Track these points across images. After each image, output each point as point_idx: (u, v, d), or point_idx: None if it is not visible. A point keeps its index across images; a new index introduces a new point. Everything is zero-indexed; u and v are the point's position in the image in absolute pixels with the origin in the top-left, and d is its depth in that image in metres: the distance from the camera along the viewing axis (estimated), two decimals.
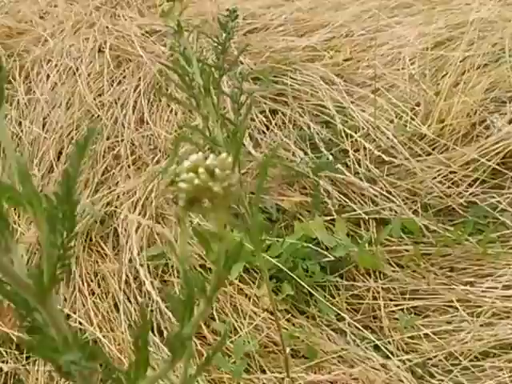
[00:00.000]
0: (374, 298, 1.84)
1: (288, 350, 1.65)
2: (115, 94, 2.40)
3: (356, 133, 2.20)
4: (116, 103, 2.37)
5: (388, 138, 2.17)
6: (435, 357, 1.69)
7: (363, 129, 2.20)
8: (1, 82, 0.55)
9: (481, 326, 1.73)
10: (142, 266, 1.89)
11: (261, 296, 1.83)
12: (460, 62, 2.33)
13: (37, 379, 1.74)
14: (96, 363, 0.64)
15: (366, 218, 2.00)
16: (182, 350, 0.63)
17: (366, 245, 1.93)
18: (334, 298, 1.85)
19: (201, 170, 0.52)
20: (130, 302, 1.84)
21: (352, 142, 2.18)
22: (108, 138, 2.28)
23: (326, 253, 1.88)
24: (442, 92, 2.24)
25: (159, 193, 2.00)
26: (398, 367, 1.65)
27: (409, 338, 1.74)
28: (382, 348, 1.71)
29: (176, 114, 2.33)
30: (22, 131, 2.32)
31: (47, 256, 0.57)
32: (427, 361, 1.68)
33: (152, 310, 1.82)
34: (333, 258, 1.88)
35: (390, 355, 1.69)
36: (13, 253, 0.58)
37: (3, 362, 1.75)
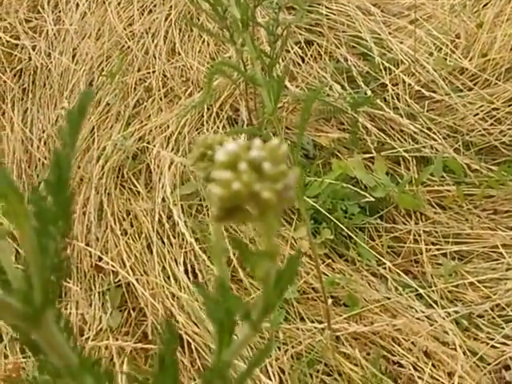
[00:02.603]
0: (416, 242, 1.63)
1: (330, 301, 1.44)
2: (146, 23, 2.13)
3: (394, 66, 1.93)
4: (147, 33, 2.11)
5: (428, 71, 1.90)
6: (481, 307, 1.47)
7: (402, 62, 1.93)
8: None
9: None
10: (175, 205, 1.67)
11: (298, 239, 1.61)
12: None
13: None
14: None
15: (406, 156, 1.75)
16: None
17: (407, 185, 1.69)
18: (374, 240, 1.63)
19: (242, 165, 0.30)
20: (163, 243, 1.63)
21: (391, 75, 1.91)
22: (139, 70, 2.03)
23: (365, 193, 1.65)
24: (485, 24, 1.95)
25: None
26: (443, 318, 1.44)
27: (453, 286, 1.52)
28: (425, 297, 1.49)
29: (208, 44, 2.07)
30: (51, 63, 2.07)
31: (37, 266, 0.37)
32: (472, 311, 1.47)
33: (186, 252, 1.61)
34: (372, 199, 1.64)
35: (433, 304, 1.48)
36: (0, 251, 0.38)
37: None
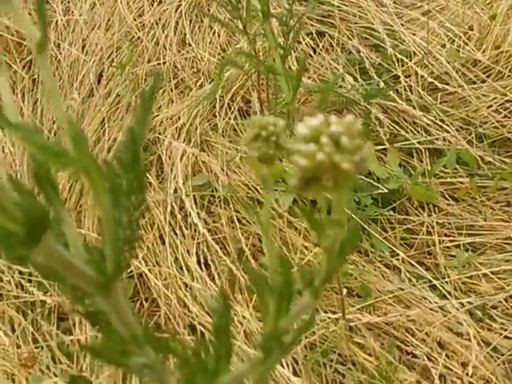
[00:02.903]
0: (429, 233, 1.65)
1: (344, 291, 1.47)
2: (156, 14, 2.15)
3: (407, 57, 1.95)
4: (157, 24, 2.13)
5: (441, 63, 1.92)
6: (495, 298, 1.50)
7: (415, 54, 1.95)
8: None
9: None
10: (187, 196, 1.69)
11: (311, 230, 1.63)
12: None
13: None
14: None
15: (420, 147, 1.78)
16: (277, 349, 0.46)
17: (420, 176, 1.71)
18: (387, 232, 1.66)
19: (324, 139, 0.33)
20: (175, 234, 1.66)
21: (403, 67, 1.94)
22: (149, 61, 2.05)
23: (378, 185, 1.67)
24: (498, 16, 1.97)
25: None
26: (457, 309, 1.46)
27: (466, 277, 1.54)
28: (439, 287, 1.52)
29: (219, 35, 2.09)
30: (60, 53, 2.10)
31: (111, 237, 0.40)
32: (486, 302, 1.49)
33: (198, 243, 1.64)
34: (385, 191, 1.67)
35: (447, 295, 1.50)
36: (65, 225, 0.41)
37: (47, 294, 1.59)
